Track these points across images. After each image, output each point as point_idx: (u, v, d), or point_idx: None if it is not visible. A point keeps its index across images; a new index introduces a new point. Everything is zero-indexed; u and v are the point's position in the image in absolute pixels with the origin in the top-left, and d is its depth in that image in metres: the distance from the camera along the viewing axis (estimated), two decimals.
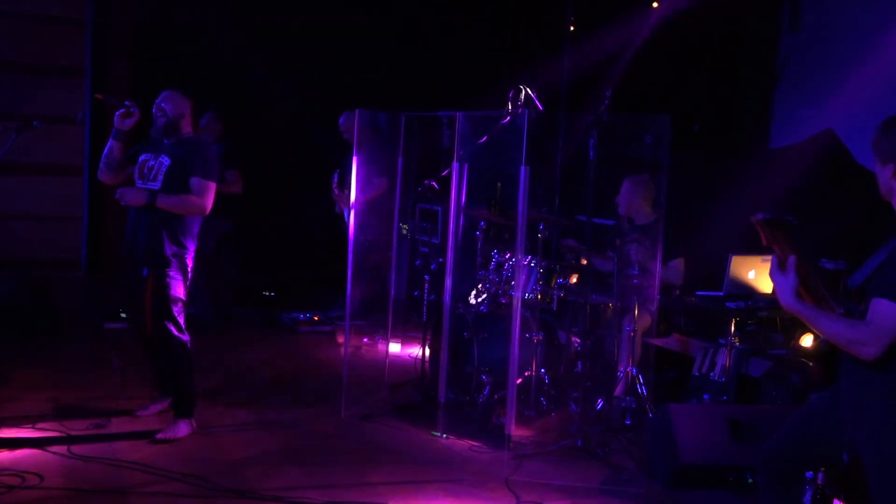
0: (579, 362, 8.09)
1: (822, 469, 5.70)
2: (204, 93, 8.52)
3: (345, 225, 10.17)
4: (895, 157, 4.30)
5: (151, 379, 7.97)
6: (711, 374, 8.22)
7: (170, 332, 7.31)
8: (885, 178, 4.37)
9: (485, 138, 7.81)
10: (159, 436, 7.28)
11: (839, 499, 5.96)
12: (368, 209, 9.97)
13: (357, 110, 8.46)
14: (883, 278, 4.17)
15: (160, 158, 7.34)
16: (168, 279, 7.27)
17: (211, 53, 12.59)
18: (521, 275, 7.56)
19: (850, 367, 4.38)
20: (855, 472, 5.62)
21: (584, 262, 8.20)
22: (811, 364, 7.41)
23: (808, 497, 5.87)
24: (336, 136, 10.89)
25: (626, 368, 8.13)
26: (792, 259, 4.28)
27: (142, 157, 7.43)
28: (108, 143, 7.44)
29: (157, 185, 7.28)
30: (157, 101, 7.45)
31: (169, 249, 7.27)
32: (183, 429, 7.39)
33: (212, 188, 7.35)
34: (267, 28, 13.03)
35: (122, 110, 7.34)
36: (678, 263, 8.70)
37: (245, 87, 12.94)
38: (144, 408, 7.82)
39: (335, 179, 10.65)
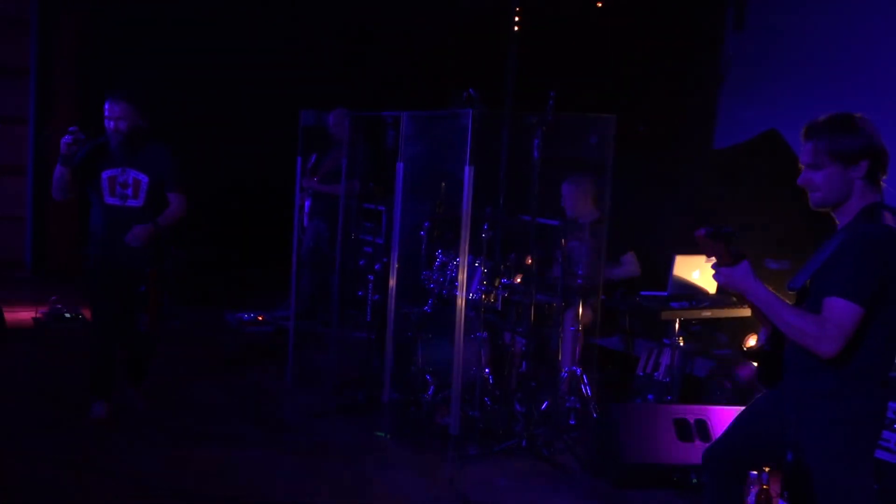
0: (524, 362, 8.09)
1: (766, 469, 5.73)
2: (151, 94, 8.44)
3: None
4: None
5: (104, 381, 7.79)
6: (656, 373, 8.26)
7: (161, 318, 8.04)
8: None
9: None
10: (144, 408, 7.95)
11: (783, 498, 6.00)
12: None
13: (305, 111, 8.46)
14: (833, 277, 4.14)
15: (132, 173, 7.50)
16: (165, 272, 7.80)
17: (157, 54, 12.50)
18: (465, 274, 7.55)
19: (795, 366, 4.39)
20: (799, 472, 5.66)
21: (529, 260, 8.18)
22: (755, 364, 7.45)
23: (751, 497, 5.89)
24: (288, 137, 10.85)
25: (569, 368, 8.13)
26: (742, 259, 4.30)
27: (107, 174, 7.49)
28: (57, 169, 7.37)
29: (138, 203, 7.51)
30: (108, 113, 7.41)
31: (161, 246, 7.72)
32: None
33: (185, 195, 7.75)
34: (216, 28, 12.95)
35: (68, 137, 7.17)
36: (630, 257, 8.72)
37: (193, 88, 12.84)
38: (92, 412, 7.68)
39: (311, 162, 10.80)
